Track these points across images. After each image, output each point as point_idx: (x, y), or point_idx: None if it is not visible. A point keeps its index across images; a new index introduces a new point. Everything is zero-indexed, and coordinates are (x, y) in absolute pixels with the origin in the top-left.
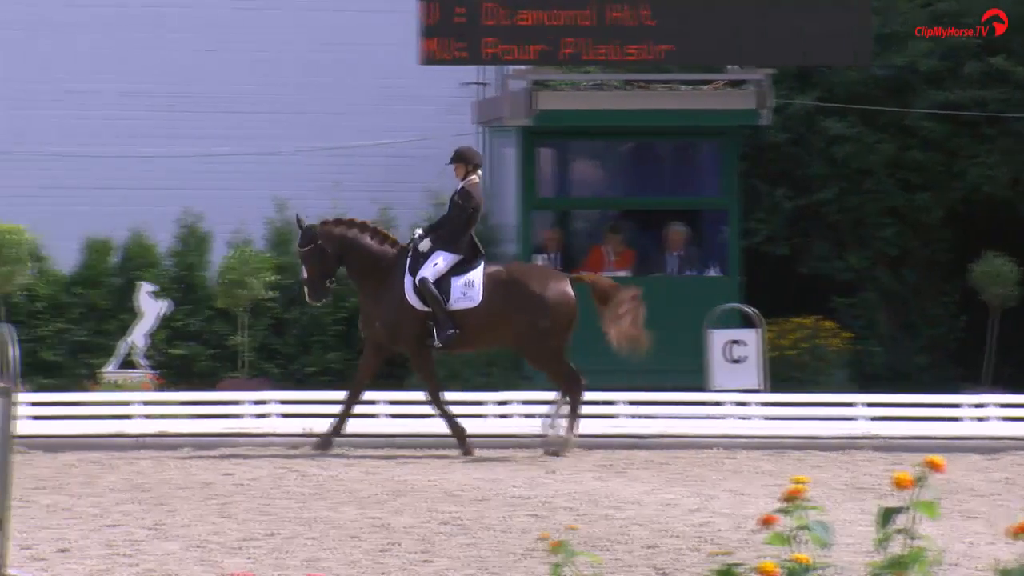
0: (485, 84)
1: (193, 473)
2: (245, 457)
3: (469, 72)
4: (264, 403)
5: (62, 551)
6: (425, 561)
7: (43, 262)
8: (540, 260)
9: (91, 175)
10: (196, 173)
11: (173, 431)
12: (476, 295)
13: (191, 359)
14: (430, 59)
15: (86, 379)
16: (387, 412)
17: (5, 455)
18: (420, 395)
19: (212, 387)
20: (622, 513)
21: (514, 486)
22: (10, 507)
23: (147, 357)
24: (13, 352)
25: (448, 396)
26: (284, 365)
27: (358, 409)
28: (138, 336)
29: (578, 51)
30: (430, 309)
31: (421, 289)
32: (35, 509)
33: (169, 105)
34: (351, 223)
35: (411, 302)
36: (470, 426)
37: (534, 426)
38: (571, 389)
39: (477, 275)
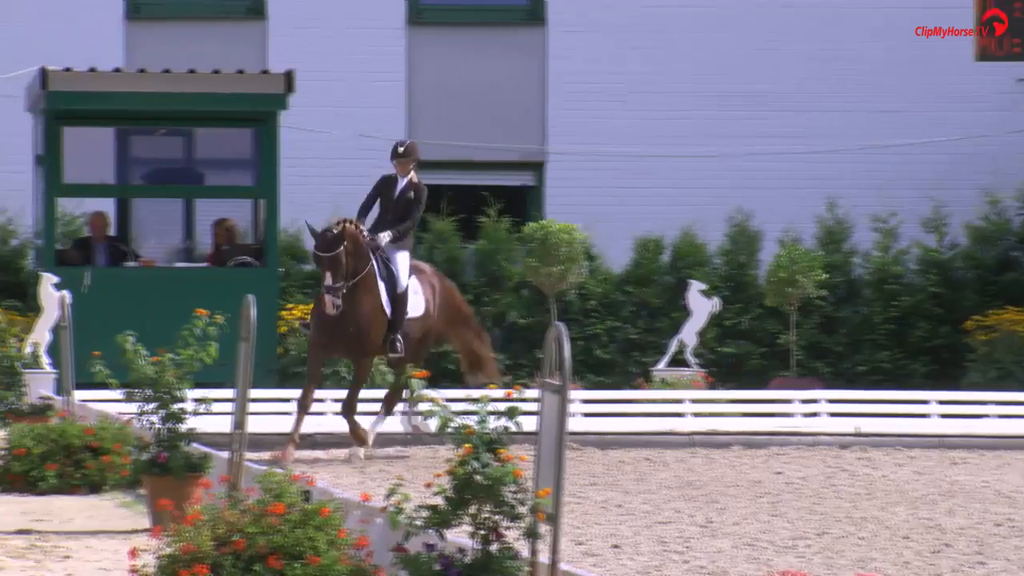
0: None
1: (743, 471)
2: (794, 456)
3: None
4: (814, 402)
5: (615, 547)
6: (978, 563)
7: (595, 260)
8: None
9: (643, 174)
10: (746, 172)
11: (723, 429)
12: (421, 302)
13: (741, 357)
14: (984, 55)
15: (637, 376)
16: (938, 412)
17: (559, 451)
18: (973, 395)
19: (761, 386)
20: None
21: None
22: (563, 503)
23: (697, 355)
24: (565, 350)
25: (993, 396)
26: (834, 364)
27: (910, 409)
28: (688, 334)
29: None
30: (393, 318)
31: (402, 297)
32: (588, 505)
33: (720, 104)
34: (357, 222)
35: (385, 309)
36: (1019, 428)
37: None
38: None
39: (414, 280)
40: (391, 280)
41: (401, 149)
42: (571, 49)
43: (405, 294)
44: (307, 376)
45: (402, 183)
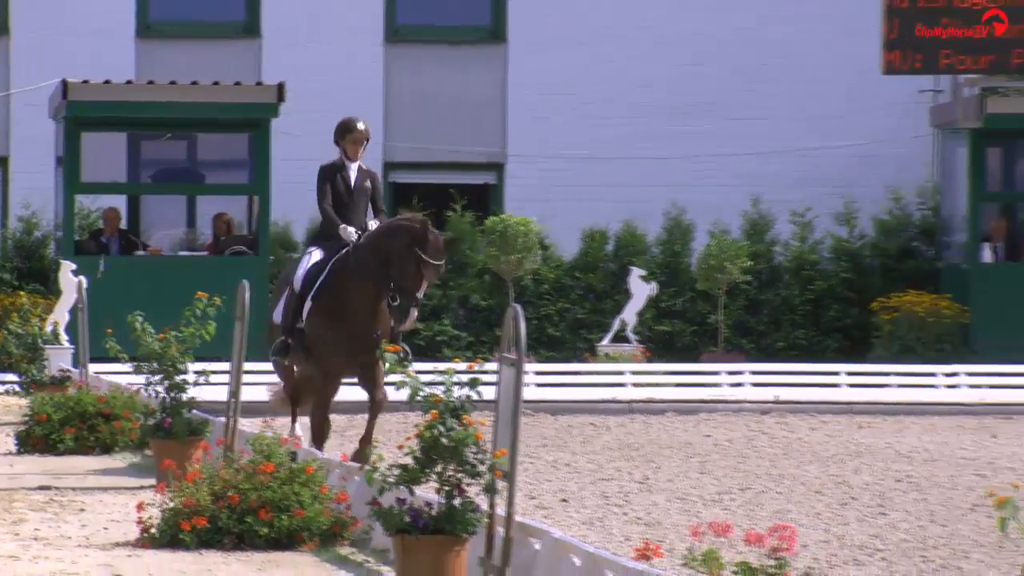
0: (939, 91)
1: (676, 434)
2: (721, 421)
3: (925, 80)
4: (739, 374)
5: (563, 501)
6: (880, 514)
7: (548, 250)
8: (988, 249)
9: (591, 174)
10: (680, 172)
11: (659, 397)
12: None
13: (675, 335)
14: (891, 69)
15: (584, 351)
16: (848, 382)
17: (515, 417)
18: (878, 367)
19: (693, 359)
20: None
21: (961, 448)
22: (517, 462)
23: (636, 333)
24: (521, 328)
25: (895, 368)
26: (756, 340)
27: (823, 379)
28: (629, 314)
29: None
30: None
31: None
32: (540, 464)
33: (658, 113)
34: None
35: None
36: (917, 396)
37: (980, 396)
38: None
39: None
40: None
41: (361, 125)
42: (529, 64)
43: None
44: (318, 402)
45: (353, 170)
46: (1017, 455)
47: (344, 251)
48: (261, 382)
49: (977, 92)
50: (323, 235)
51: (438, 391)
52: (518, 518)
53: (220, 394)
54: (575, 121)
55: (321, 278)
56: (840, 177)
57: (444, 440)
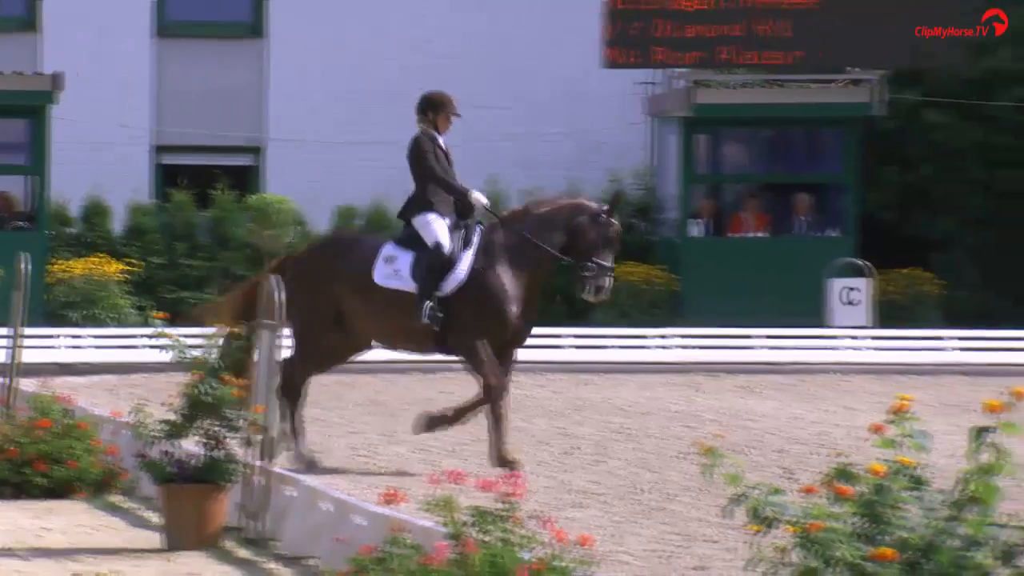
0: (654, 83)
1: (418, 392)
2: (459, 379)
3: (641, 73)
4: None
5: (316, 452)
6: (599, 462)
7: (303, 226)
8: (696, 225)
9: (343, 156)
10: None
11: (403, 359)
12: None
13: None
14: (611, 64)
15: None
16: (571, 344)
17: (271, 378)
18: (598, 331)
19: None
20: (757, 424)
21: (671, 402)
22: (274, 418)
23: None
24: (278, 297)
25: (613, 331)
26: None
27: (549, 341)
28: None
29: (729, 57)
30: None
31: None
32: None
33: (405, 102)
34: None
35: None
36: (633, 356)
37: (688, 356)
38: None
39: None
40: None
41: (455, 101)
42: (287, 57)
43: None
44: (494, 370)
45: (442, 142)
46: (719, 408)
47: (499, 225)
48: (38, 346)
49: (687, 84)
50: (423, 204)
51: (200, 353)
52: (276, 469)
53: (0, 356)
54: (329, 109)
55: (474, 250)
56: (566, 161)
57: (206, 398)
